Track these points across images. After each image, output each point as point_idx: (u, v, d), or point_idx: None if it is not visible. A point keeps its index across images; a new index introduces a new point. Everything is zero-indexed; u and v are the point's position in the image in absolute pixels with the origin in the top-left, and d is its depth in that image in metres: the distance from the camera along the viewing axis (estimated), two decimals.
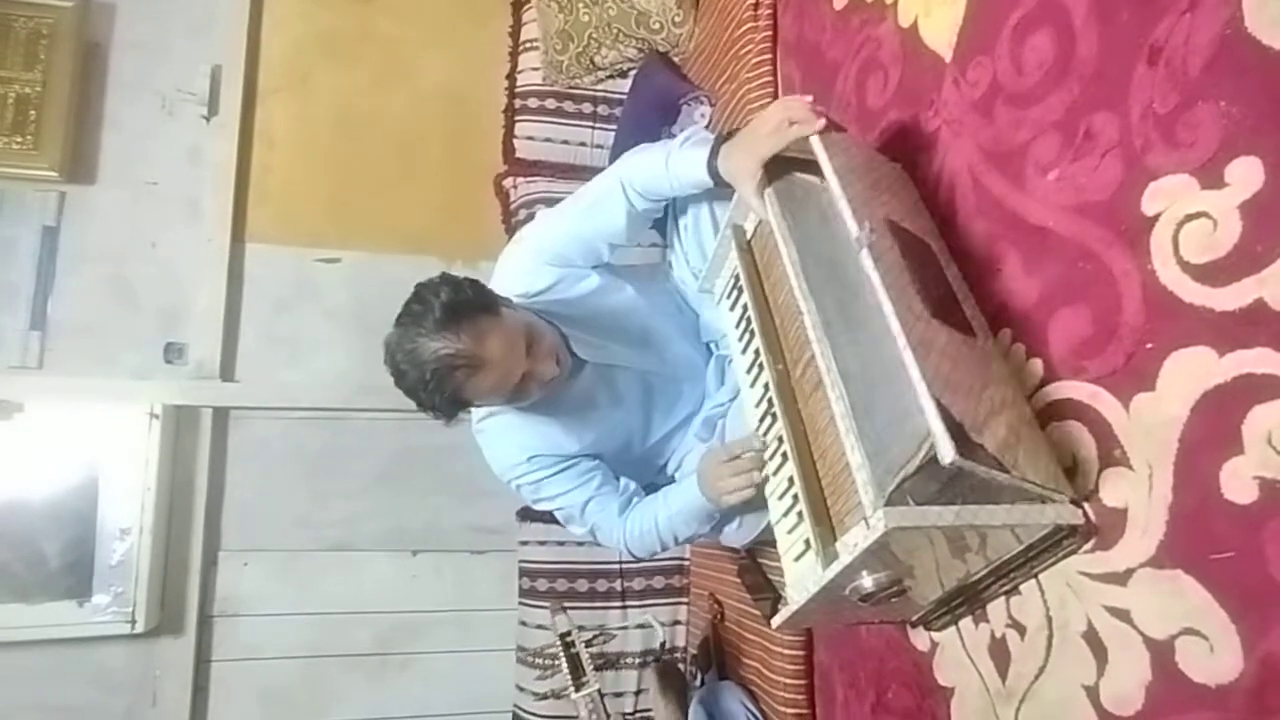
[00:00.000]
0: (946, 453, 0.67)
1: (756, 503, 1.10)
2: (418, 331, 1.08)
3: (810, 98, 1.01)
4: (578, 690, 1.27)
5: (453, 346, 1.06)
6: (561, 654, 1.30)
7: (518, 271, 1.29)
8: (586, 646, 1.32)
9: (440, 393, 1.08)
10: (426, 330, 1.07)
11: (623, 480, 1.35)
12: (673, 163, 1.18)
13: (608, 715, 1.29)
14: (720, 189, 1.14)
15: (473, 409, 1.30)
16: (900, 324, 0.77)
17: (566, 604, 1.83)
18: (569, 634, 1.29)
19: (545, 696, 1.82)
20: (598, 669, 1.76)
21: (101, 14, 2.10)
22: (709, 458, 1.16)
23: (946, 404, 0.71)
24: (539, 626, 1.88)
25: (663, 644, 1.84)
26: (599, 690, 1.29)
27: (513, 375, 1.12)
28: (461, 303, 1.09)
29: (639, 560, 1.40)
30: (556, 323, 1.25)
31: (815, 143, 0.97)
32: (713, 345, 1.46)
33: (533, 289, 1.28)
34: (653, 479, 1.50)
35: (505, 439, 1.30)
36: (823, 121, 0.97)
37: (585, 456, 1.32)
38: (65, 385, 1.96)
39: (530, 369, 1.14)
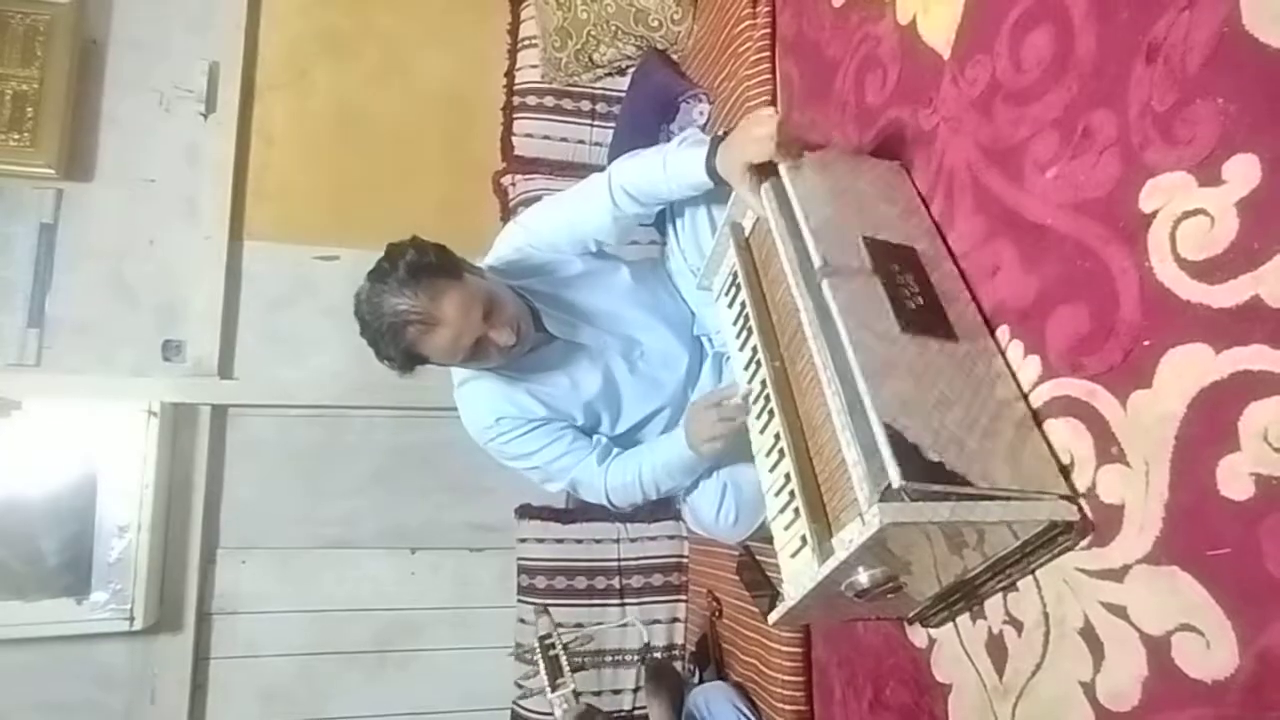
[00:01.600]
0: (894, 478, 0.71)
1: (742, 453, 1.14)
2: (383, 287, 1.16)
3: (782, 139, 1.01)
4: (554, 690, 1.30)
5: (409, 303, 1.14)
6: (540, 656, 1.33)
7: (509, 248, 1.37)
8: (565, 649, 1.35)
9: (395, 345, 1.17)
10: (390, 287, 1.15)
11: (595, 435, 1.40)
12: (670, 165, 1.19)
13: (580, 711, 1.31)
14: (718, 188, 1.15)
15: (453, 374, 1.38)
16: (856, 354, 0.80)
17: (565, 601, 1.84)
18: (548, 636, 1.33)
19: (530, 694, 1.83)
20: (594, 667, 1.77)
21: (99, 10, 2.10)
22: (694, 407, 1.23)
23: (901, 427, 0.75)
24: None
25: (646, 644, 1.85)
26: (574, 690, 1.32)
27: (465, 337, 1.17)
28: (424, 265, 1.16)
29: (617, 508, 1.43)
30: (531, 298, 1.31)
31: (783, 172, 0.99)
32: (705, 340, 1.46)
33: (525, 269, 1.35)
34: None
35: (477, 403, 1.36)
36: (797, 159, 1.00)
37: (554, 420, 1.37)
38: (63, 383, 1.96)
39: (485, 334, 1.19)
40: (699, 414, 1.22)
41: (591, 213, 1.32)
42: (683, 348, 1.44)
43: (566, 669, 1.33)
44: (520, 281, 1.32)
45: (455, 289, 1.16)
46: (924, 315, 0.88)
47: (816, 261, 0.88)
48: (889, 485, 0.73)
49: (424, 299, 1.14)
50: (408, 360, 1.19)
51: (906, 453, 0.73)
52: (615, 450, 1.39)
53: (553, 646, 1.34)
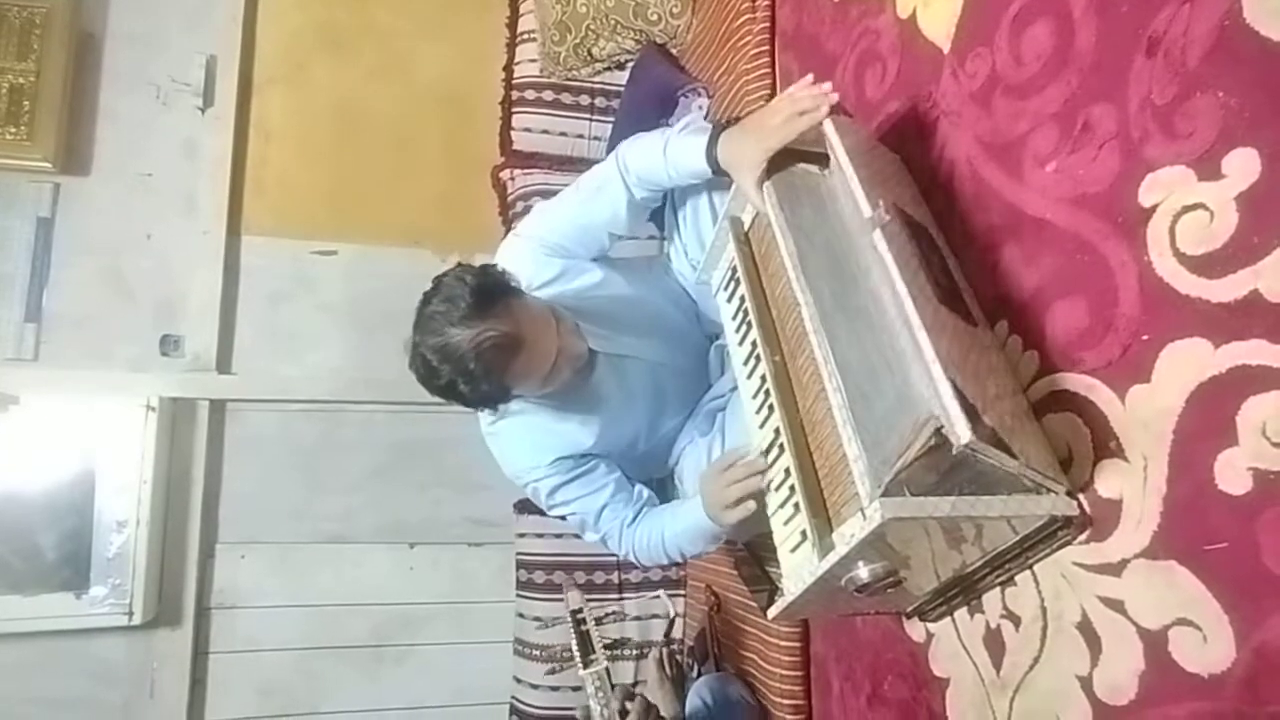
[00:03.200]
0: (963, 433, 0.66)
1: (761, 522, 1.04)
2: (446, 324, 1.05)
3: (811, 77, 1.01)
4: (585, 667, 1.25)
5: (494, 329, 1.04)
6: (571, 630, 1.27)
7: (519, 264, 1.26)
8: (598, 624, 1.29)
9: (486, 380, 1.05)
10: (456, 321, 1.04)
11: (638, 488, 1.34)
12: (670, 150, 1.17)
13: (613, 693, 1.27)
14: (719, 179, 1.14)
15: (485, 416, 1.29)
16: (914, 305, 0.76)
17: (564, 597, 1.84)
18: (579, 611, 1.27)
19: (540, 685, 1.83)
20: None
21: (96, 4, 2.09)
22: (707, 478, 1.12)
23: (960, 386, 0.71)
24: (536, 618, 1.88)
25: (669, 630, 1.84)
26: (606, 669, 1.27)
27: (550, 352, 1.10)
28: (490, 286, 1.07)
29: (645, 567, 1.41)
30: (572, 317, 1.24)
31: (827, 125, 0.97)
32: (713, 336, 1.46)
33: (536, 281, 1.26)
34: (657, 473, 1.50)
35: (521, 441, 1.28)
36: (827, 106, 0.97)
37: (601, 459, 1.31)
38: (61, 378, 1.95)
39: (561, 345, 1.13)
40: (713, 478, 1.10)
41: (603, 204, 1.25)
42: (705, 342, 1.43)
43: (598, 646, 1.26)
44: (546, 299, 1.23)
45: (525, 305, 1.10)
46: (952, 294, 0.87)
47: (867, 210, 0.84)
48: (949, 443, 0.68)
49: (505, 322, 1.05)
50: (500, 394, 1.09)
51: (970, 410, 0.69)
52: (646, 511, 1.32)
53: (583, 622, 1.26)
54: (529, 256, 1.28)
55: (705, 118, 1.81)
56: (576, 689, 1.85)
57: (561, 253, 1.29)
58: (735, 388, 1.33)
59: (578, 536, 1.87)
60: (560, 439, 1.27)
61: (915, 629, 1.04)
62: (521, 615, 1.92)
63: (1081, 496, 0.78)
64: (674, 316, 1.40)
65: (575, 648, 1.26)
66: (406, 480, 2.14)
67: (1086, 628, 0.78)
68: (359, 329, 2.12)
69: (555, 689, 1.85)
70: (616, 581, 1.89)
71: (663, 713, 1.53)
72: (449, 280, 1.08)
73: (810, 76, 1.02)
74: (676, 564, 1.85)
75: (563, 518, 1.37)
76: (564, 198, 1.31)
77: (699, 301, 1.44)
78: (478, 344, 1.03)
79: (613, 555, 1.88)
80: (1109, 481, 0.76)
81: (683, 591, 1.91)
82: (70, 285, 1.99)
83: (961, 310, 0.86)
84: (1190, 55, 0.69)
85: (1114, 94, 0.77)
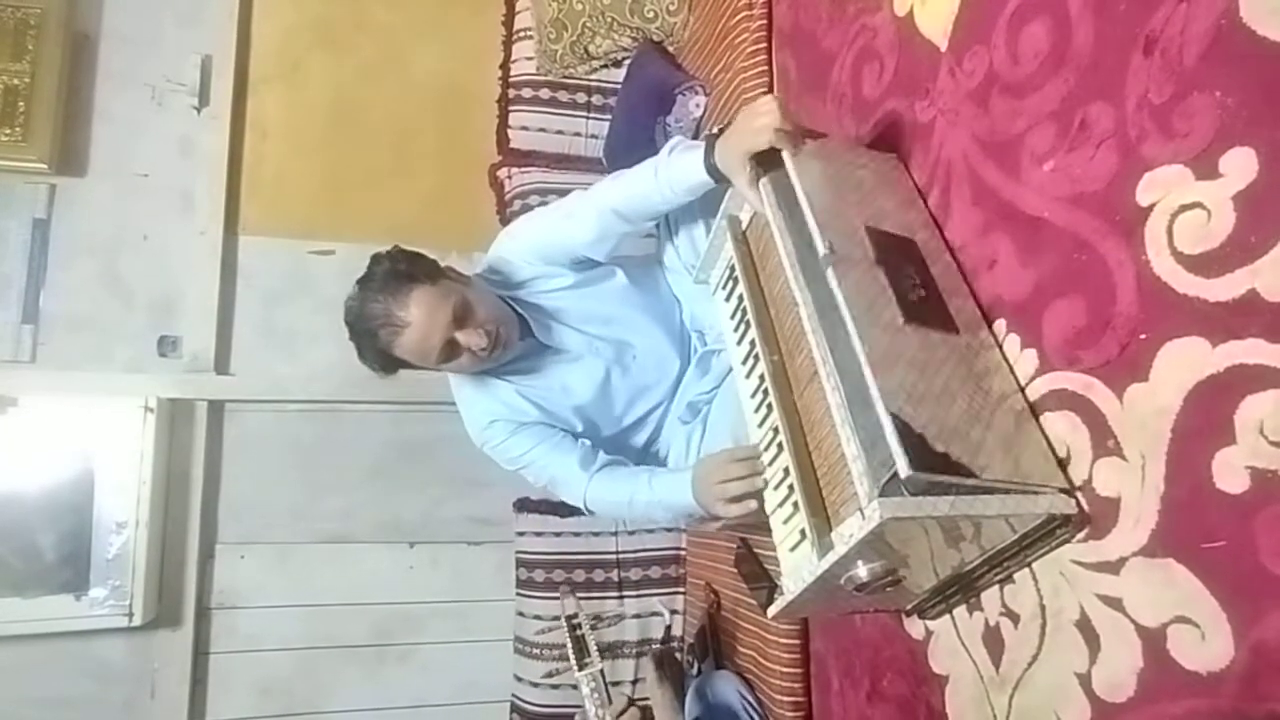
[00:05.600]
0: (902, 467, 0.71)
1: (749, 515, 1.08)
2: (364, 294, 1.24)
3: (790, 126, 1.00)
4: (580, 669, 1.29)
5: (381, 307, 1.21)
6: (567, 635, 1.32)
7: (496, 257, 1.39)
8: (594, 627, 1.34)
9: (372, 347, 1.24)
10: (368, 293, 1.23)
11: (579, 440, 1.39)
12: (664, 173, 1.18)
13: (609, 694, 1.30)
14: (720, 186, 1.13)
15: (450, 378, 1.41)
16: (862, 342, 0.80)
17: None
18: (575, 616, 1.32)
19: (540, 684, 1.83)
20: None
21: (90, 4, 2.08)
22: (707, 466, 1.14)
23: (907, 417, 0.74)
24: (536, 617, 1.88)
25: (668, 627, 1.86)
26: (601, 670, 1.31)
27: (431, 339, 1.21)
28: (397, 271, 1.23)
29: (592, 515, 1.49)
30: (520, 306, 1.33)
31: (787, 160, 0.98)
32: (697, 338, 1.46)
33: (514, 278, 1.37)
34: (640, 460, 1.50)
35: (472, 405, 1.39)
36: (799, 146, 1.00)
37: (544, 422, 1.38)
38: (58, 379, 1.95)
39: (458, 339, 1.22)
40: (714, 469, 1.11)
41: (577, 232, 1.31)
42: (674, 348, 1.44)
43: (593, 649, 1.32)
44: (509, 291, 1.35)
45: (423, 292, 1.21)
46: (926, 307, 0.88)
47: (821, 249, 0.87)
48: (896, 474, 0.72)
49: (392, 303, 1.20)
50: (385, 362, 1.26)
51: (913, 442, 0.72)
52: (603, 458, 1.35)
53: (579, 627, 1.33)
54: (505, 254, 1.39)
55: (702, 116, 1.81)
56: (576, 687, 1.86)
57: (538, 258, 1.37)
58: (718, 387, 1.39)
59: (576, 535, 1.90)
60: (503, 406, 1.36)
61: (914, 626, 1.04)
62: (521, 614, 1.92)
63: (1080, 495, 0.78)
64: (645, 319, 1.42)
65: (571, 652, 1.30)
66: (406, 479, 2.14)
67: (1085, 625, 0.78)
68: None
69: (555, 687, 1.86)
70: (616, 580, 1.89)
71: (660, 713, 1.54)
72: (375, 257, 1.27)
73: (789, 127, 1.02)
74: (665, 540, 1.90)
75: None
76: (552, 210, 1.40)
77: (688, 304, 1.45)
78: (366, 317, 1.22)
79: (612, 553, 1.91)
80: (1107, 480, 0.76)
81: (682, 589, 1.92)
82: (67, 286, 1.99)
83: (938, 321, 0.87)
84: (1187, 54, 0.69)
85: (1111, 93, 0.77)
